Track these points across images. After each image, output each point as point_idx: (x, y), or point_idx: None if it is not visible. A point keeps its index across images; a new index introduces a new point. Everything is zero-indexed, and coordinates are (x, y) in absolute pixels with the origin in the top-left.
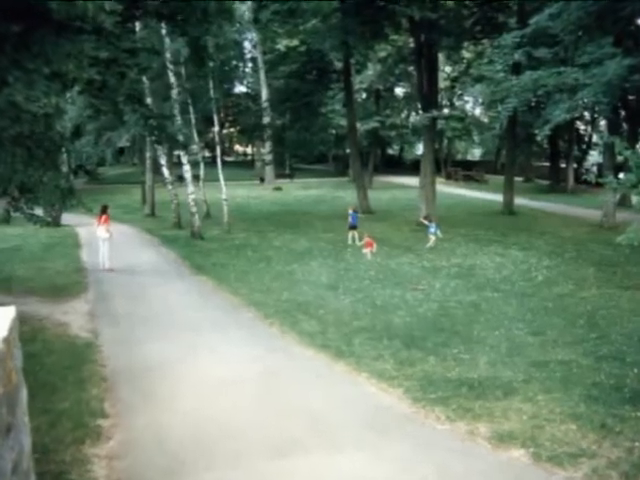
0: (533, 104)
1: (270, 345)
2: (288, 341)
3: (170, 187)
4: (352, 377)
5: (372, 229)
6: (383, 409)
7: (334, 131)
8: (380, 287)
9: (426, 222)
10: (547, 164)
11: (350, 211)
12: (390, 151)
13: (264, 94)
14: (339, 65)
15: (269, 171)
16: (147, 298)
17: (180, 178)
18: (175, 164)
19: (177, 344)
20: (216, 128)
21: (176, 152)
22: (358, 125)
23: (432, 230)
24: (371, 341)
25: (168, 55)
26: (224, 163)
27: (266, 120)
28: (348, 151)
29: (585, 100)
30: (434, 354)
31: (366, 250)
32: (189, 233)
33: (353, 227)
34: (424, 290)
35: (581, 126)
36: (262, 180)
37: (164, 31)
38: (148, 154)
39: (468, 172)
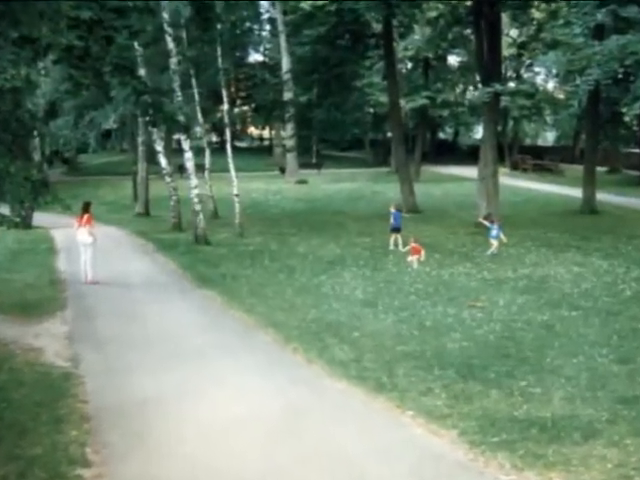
0: (620, 76)
1: (293, 376)
2: (315, 371)
3: (168, 180)
4: (394, 416)
5: (419, 232)
6: (433, 456)
7: (372, 110)
8: (429, 304)
9: (487, 223)
10: (637, 151)
11: (392, 210)
12: (442, 135)
13: (285, 64)
14: (378, 28)
15: (291, 160)
16: (140, 317)
17: (181, 168)
18: (174, 151)
19: (178, 374)
20: (225, 106)
21: (176, 136)
22: (402, 102)
23: (494, 233)
24: (418, 371)
25: (166, 15)
26: (235, 150)
27: (287, 96)
28: (389, 135)
29: None
30: (497, 387)
31: (412, 258)
32: (192, 237)
33: (396, 229)
34: (484, 308)
35: None
36: (282, 171)
37: None
38: (141, 139)
39: (539, 161)
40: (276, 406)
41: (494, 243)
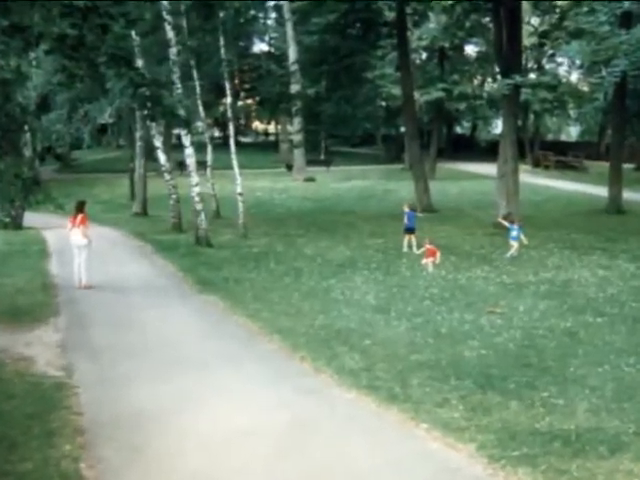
0: None
1: (300, 386)
2: (324, 381)
3: (168, 177)
4: (408, 429)
5: (435, 233)
6: (449, 471)
7: (384, 103)
8: (445, 310)
9: (506, 223)
10: None
11: (406, 209)
12: (459, 130)
13: (292, 54)
14: (391, 16)
15: (299, 156)
16: (137, 324)
17: (181, 165)
18: (174, 147)
19: (177, 384)
20: (228, 99)
21: (175, 131)
22: (416, 95)
23: (514, 234)
24: (434, 381)
25: (165, 2)
26: (239, 145)
27: (295, 88)
28: (403, 130)
29: None
30: (517, 398)
31: (427, 261)
32: (192, 238)
33: (410, 230)
34: (504, 314)
35: None
36: (289, 168)
37: None
38: (138, 134)
39: (562, 157)
40: (282, 417)
41: (514, 245)
